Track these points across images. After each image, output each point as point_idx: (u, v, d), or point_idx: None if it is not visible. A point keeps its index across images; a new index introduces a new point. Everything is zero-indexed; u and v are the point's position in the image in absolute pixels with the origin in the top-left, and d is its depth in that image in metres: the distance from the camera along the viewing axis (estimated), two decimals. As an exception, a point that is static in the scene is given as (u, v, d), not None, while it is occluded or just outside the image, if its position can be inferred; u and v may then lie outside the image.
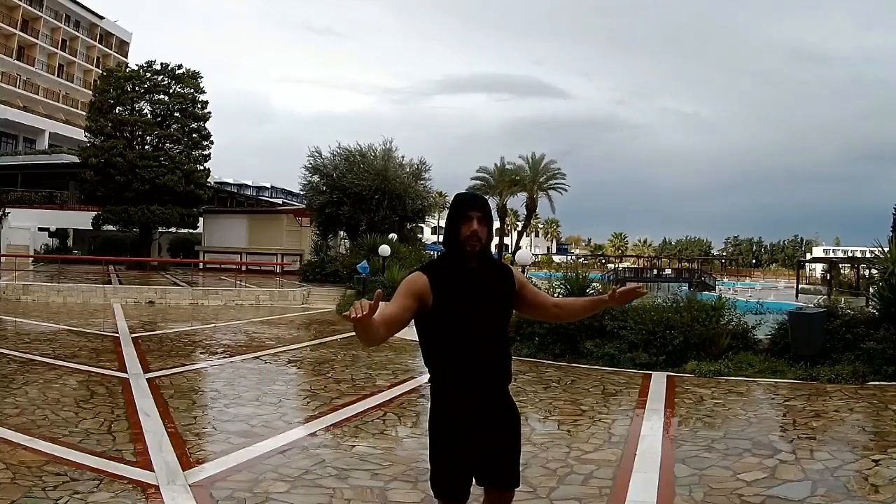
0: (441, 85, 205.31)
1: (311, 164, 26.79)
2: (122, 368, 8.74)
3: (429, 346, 2.65)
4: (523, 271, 15.15)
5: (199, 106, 31.70)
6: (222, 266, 29.15)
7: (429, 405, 2.75)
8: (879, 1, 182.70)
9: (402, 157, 27.25)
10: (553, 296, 2.81)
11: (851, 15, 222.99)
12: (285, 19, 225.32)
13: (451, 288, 2.57)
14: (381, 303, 2.35)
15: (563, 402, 7.36)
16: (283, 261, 29.68)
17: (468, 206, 2.60)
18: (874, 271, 13.54)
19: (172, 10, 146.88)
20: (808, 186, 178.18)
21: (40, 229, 37.06)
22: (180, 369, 8.93)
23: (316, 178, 26.72)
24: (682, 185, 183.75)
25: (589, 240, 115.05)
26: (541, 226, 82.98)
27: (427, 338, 2.65)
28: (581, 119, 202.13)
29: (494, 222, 2.76)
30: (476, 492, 2.76)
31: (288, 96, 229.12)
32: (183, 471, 4.77)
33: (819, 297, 19.60)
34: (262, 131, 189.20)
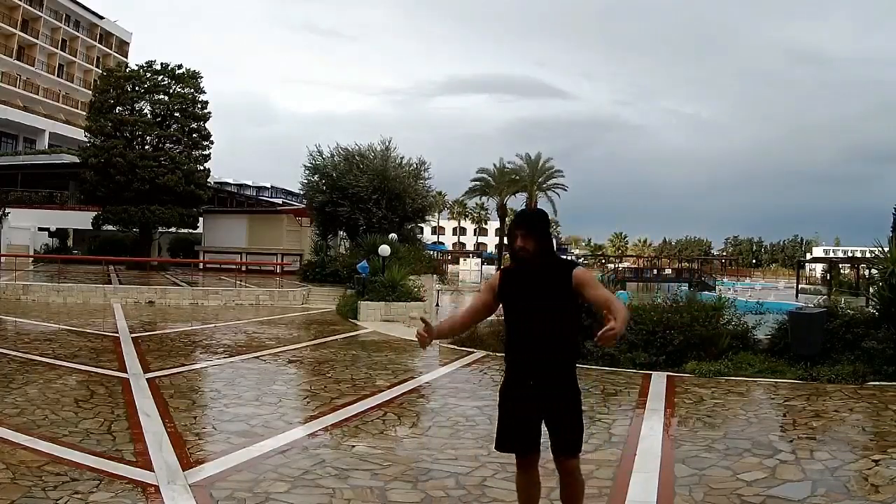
0: (443, 86, 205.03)
1: (310, 163, 26.79)
2: (122, 368, 8.73)
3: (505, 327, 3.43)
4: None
5: (199, 106, 31.69)
6: (222, 266, 29.12)
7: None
8: (879, 4, 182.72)
9: (401, 157, 27.24)
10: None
11: (851, 17, 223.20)
12: (289, 20, 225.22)
13: (511, 287, 3.32)
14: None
15: (563, 402, 7.35)
16: (283, 261, 29.66)
17: (513, 227, 3.31)
18: (874, 271, 13.52)
19: (175, 11, 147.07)
20: (808, 186, 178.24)
21: (40, 229, 37.04)
22: (180, 369, 8.92)
23: (316, 177, 26.71)
24: (682, 185, 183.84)
25: (589, 240, 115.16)
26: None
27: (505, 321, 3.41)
28: (582, 120, 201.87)
29: (547, 231, 3.34)
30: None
31: (290, 97, 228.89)
32: (183, 471, 4.77)
33: (819, 297, 19.60)
34: (264, 132, 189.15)
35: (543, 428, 3.33)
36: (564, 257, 3.24)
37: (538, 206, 50.46)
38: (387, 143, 26.77)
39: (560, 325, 3.23)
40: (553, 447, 3.33)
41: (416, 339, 3.48)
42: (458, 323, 3.69)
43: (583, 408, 3.40)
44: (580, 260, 49.81)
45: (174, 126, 30.88)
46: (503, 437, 3.37)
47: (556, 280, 3.22)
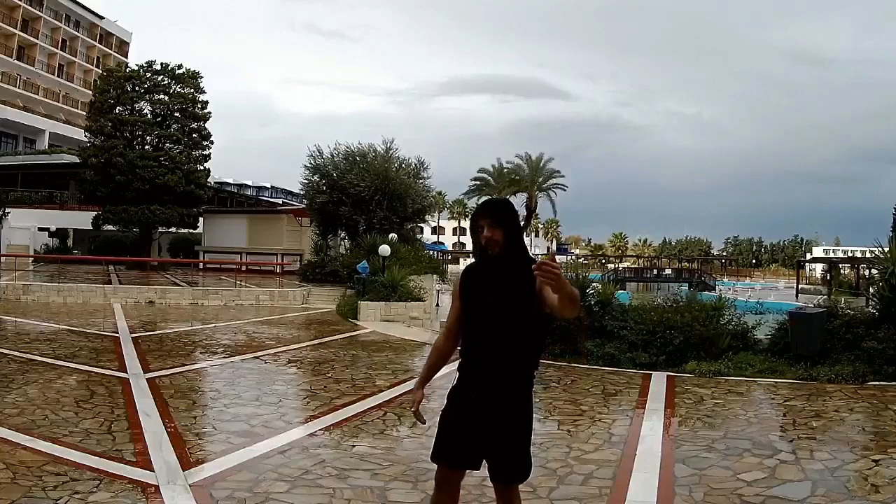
0: (445, 86, 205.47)
1: (311, 163, 26.79)
2: (122, 368, 8.73)
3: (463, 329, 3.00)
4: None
5: (199, 106, 31.65)
6: (222, 266, 29.09)
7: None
8: (879, 5, 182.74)
9: (401, 157, 27.21)
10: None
11: (851, 19, 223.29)
12: (292, 22, 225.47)
13: (471, 285, 2.95)
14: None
15: (563, 402, 7.36)
16: (283, 261, 29.65)
17: (477, 217, 2.91)
18: (874, 271, 13.52)
19: (175, 11, 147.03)
20: (808, 186, 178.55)
21: (40, 229, 37.02)
22: (180, 369, 8.92)
23: (316, 177, 26.70)
24: (682, 185, 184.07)
25: (589, 240, 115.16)
26: (541, 226, 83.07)
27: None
28: (583, 120, 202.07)
29: (516, 221, 2.94)
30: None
31: (292, 98, 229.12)
32: (183, 471, 4.77)
33: (819, 297, 19.59)
34: (265, 132, 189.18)
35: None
36: (535, 255, 2.79)
37: (538, 206, 50.53)
38: (388, 144, 26.79)
39: (520, 329, 2.80)
40: (491, 472, 2.92)
41: (415, 416, 3.15)
42: (441, 350, 3.17)
43: (533, 428, 2.97)
44: (580, 260, 49.69)
45: (174, 126, 30.84)
46: (440, 448, 2.98)
47: (523, 278, 2.74)
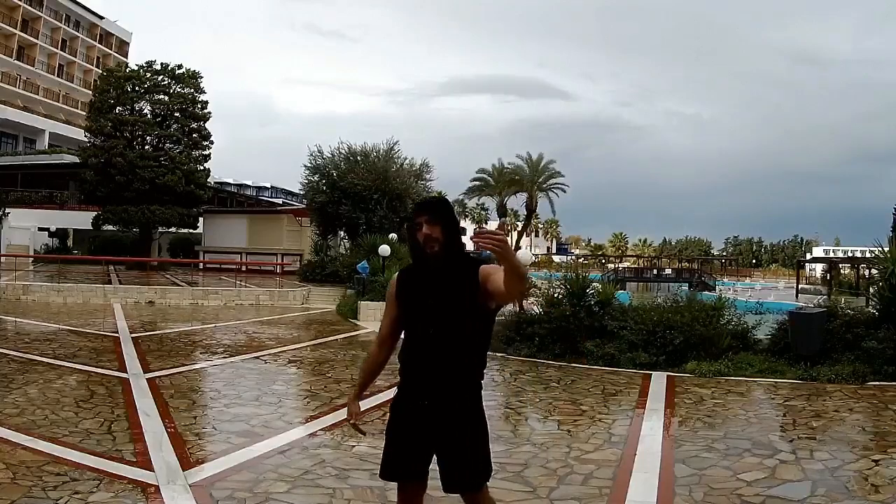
0: (445, 86, 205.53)
1: (311, 163, 26.77)
2: (122, 368, 8.74)
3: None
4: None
5: (199, 106, 31.67)
6: (222, 266, 29.09)
7: None
8: (879, 5, 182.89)
9: (403, 157, 27.20)
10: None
11: (851, 19, 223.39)
12: (292, 22, 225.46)
13: (409, 288, 2.83)
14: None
15: (563, 402, 7.36)
16: (283, 261, 29.66)
17: (415, 214, 2.77)
18: (874, 271, 13.52)
19: (175, 11, 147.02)
20: (808, 186, 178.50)
21: (40, 229, 37.03)
22: (180, 369, 8.93)
23: (316, 177, 26.69)
24: (682, 185, 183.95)
25: (589, 240, 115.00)
26: (541, 226, 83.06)
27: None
28: (584, 120, 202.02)
29: (454, 218, 2.78)
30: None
31: (292, 98, 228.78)
32: (183, 471, 4.77)
33: (819, 297, 19.59)
34: (266, 132, 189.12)
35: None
36: (478, 254, 2.61)
37: (538, 206, 50.51)
38: (391, 144, 26.78)
39: (464, 332, 2.70)
40: (444, 482, 2.77)
41: (354, 429, 3.13)
42: (376, 358, 3.09)
43: (489, 434, 2.84)
44: (580, 260, 49.69)
45: (174, 126, 30.86)
46: (389, 463, 2.91)
47: (464, 277, 2.66)
